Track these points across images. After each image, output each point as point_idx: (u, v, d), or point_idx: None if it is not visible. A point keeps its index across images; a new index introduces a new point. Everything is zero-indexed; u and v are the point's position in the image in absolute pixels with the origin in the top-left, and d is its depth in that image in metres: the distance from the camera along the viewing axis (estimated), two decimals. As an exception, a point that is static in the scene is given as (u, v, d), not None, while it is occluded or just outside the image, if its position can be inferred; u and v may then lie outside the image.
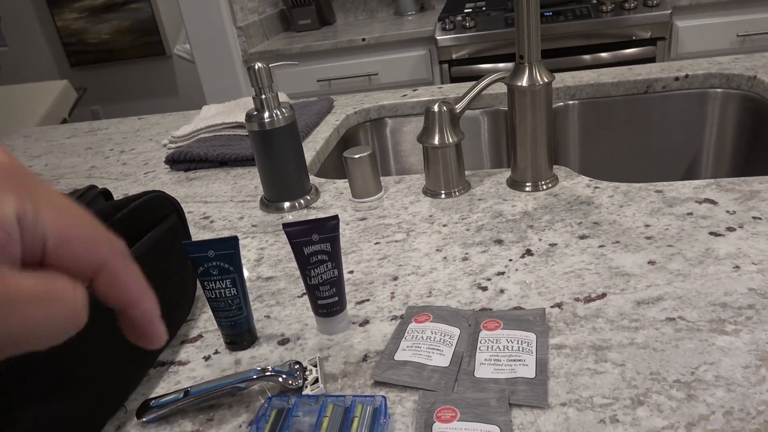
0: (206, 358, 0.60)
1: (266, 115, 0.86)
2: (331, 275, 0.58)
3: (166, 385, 0.57)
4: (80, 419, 0.51)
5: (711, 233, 0.68)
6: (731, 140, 1.21)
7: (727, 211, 0.72)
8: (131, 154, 1.31)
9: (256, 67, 0.84)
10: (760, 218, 0.69)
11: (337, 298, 0.59)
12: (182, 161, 1.14)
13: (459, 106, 0.85)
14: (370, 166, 0.88)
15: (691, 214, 0.73)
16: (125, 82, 4.48)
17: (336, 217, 0.57)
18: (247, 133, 1.21)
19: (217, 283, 0.58)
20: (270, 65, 0.86)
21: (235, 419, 0.51)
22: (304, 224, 0.57)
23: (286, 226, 0.57)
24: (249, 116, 0.87)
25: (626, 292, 0.60)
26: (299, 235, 0.57)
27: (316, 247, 0.57)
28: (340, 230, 0.81)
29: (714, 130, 1.23)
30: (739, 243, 0.65)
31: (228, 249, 0.57)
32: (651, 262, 0.64)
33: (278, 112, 0.86)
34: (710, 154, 1.24)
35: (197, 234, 0.87)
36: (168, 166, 1.17)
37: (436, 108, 0.84)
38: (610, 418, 0.46)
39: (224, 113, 1.31)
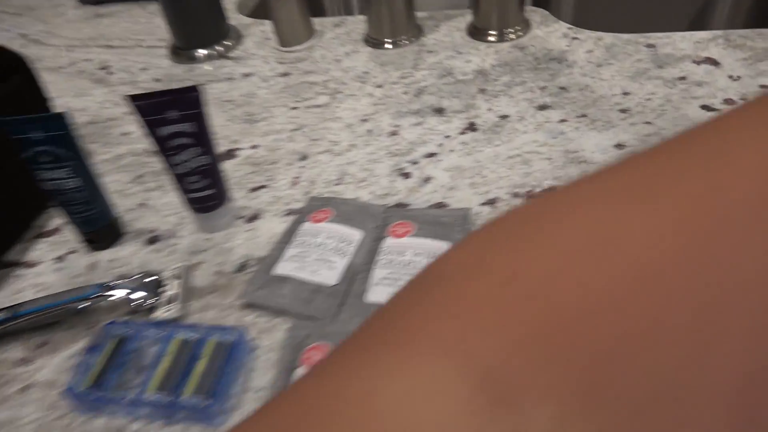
0: (58, 259, 0.49)
1: (158, -66, 0.66)
2: (199, 163, 0.45)
3: (5, 295, 0.47)
4: None
5: (703, 106, 0.53)
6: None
7: (730, 77, 0.57)
8: (43, -18, 1.10)
9: None
10: (770, 88, 0.54)
11: (212, 191, 0.47)
12: (92, -8, 0.95)
13: (404, -74, 0.65)
14: (297, 4, 0.71)
15: (683, 78, 0.58)
16: None
17: (195, 89, 0.43)
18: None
19: (52, 172, 0.45)
20: None
21: (73, 345, 0.42)
22: (156, 96, 0.43)
23: (135, 99, 0.43)
24: (137, -64, 0.67)
25: (579, 188, 0.47)
26: (151, 111, 0.43)
27: (175, 128, 0.44)
28: (254, 89, 0.66)
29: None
30: (735, 122, 0.51)
31: (58, 129, 0.44)
32: (618, 146, 0.51)
33: (174, -69, 0.67)
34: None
35: (88, 88, 0.72)
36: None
37: (373, -73, 0.64)
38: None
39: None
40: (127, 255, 0.49)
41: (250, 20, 0.82)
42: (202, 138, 0.45)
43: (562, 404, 0.11)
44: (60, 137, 0.44)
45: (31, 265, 0.49)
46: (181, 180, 0.46)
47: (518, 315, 0.12)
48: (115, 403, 0.36)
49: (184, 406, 0.35)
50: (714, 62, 0.59)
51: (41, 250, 0.50)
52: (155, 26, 0.85)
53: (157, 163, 0.58)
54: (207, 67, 0.73)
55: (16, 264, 0.49)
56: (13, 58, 0.52)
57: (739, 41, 0.61)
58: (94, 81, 0.74)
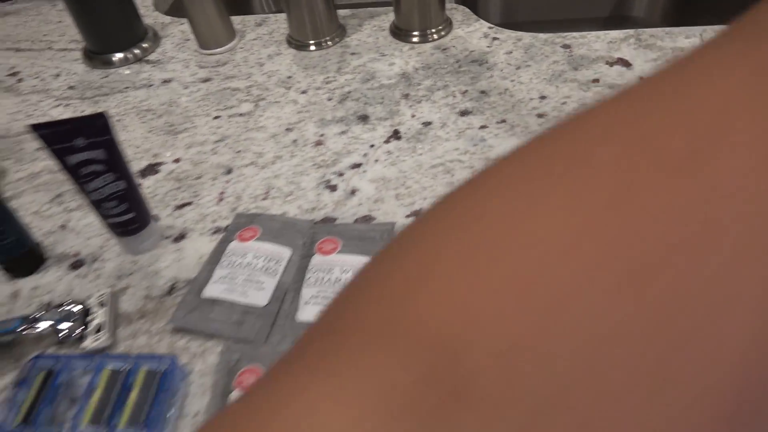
0: (-25, 290, 0.48)
1: (63, -65, 0.63)
2: (115, 189, 0.45)
3: None
4: None
5: (612, 110, 0.56)
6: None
7: (641, 78, 0.60)
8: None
9: None
10: (672, 90, 0.58)
11: (132, 215, 0.46)
12: (-5, -13, 0.89)
13: (322, -72, 0.65)
14: (215, 4, 0.69)
15: (596, 81, 0.60)
16: None
17: (102, 116, 0.42)
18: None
19: (-40, 204, 0.43)
20: None
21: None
22: (61, 125, 0.42)
23: (37, 128, 0.42)
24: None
25: (498, 196, 0.50)
26: (57, 140, 0.42)
27: (84, 155, 0.43)
28: (175, 96, 0.65)
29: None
30: (641, 125, 0.54)
31: (-36, 160, 0.42)
32: (535, 152, 0.53)
33: (80, -68, 0.64)
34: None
35: (-2, 99, 0.69)
36: (-20, -7, 0.92)
37: (290, -70, 0.64)
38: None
39: None
40: (50, 282, 0.48)
41: (168, 18, 0.80)
42: (114, 164, 0.44)
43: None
44: (-33, 168, 0.42)
45: (-56, 298, 0.47)
46: (98, 206, 0.45)
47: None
48: (46, 442, 0.36)
49: (117, 442, 0.35)
50: (626, 63, 0.62)
51: (-45, 281, 0.49)
52: (66, 26, 0.81)
53: (76, 181, 0.57)
54: (126, 71, 0.71)
55: (-72, 297, 0.47)
56: None
57: (650, 41, 0.64)
58: (3, 90, 0.70)
